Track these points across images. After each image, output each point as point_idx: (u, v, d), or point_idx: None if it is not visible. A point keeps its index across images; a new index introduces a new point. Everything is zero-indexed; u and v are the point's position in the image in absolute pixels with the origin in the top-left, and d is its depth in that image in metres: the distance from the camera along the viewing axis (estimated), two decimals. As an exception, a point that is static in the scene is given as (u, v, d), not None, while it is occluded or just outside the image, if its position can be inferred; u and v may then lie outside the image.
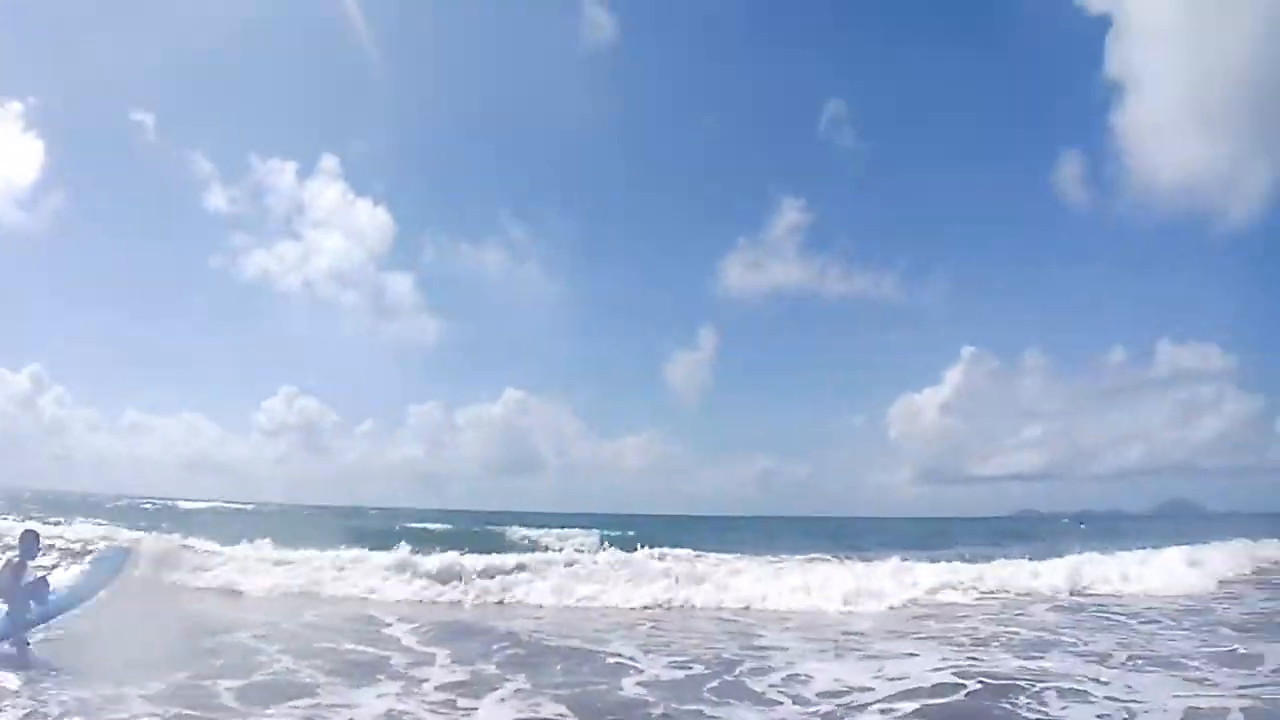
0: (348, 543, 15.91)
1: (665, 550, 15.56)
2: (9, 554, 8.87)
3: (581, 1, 59.54)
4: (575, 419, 59.93)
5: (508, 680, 7.98)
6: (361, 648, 9.56)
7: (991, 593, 14.46)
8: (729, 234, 65.95)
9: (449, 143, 66.78)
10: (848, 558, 16.54)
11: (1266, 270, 58.12)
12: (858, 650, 9.82)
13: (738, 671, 8.58)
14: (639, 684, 8.03)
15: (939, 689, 7.72)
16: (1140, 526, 34.41)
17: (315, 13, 59.67)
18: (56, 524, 19.40)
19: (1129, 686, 7.69)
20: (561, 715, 6.86)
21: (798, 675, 8.37)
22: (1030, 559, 16.32)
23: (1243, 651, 9.29)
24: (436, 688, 7.68)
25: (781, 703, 7.43)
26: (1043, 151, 61.29)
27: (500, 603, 13.74)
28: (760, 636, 10.89)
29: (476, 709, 7.02)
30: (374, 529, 23.50)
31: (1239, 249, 52.95)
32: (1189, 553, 16.54)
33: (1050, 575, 15.14)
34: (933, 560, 16.34)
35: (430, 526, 28.92)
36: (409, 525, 27.86)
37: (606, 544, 16.32)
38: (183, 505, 36.68)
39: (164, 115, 51.67)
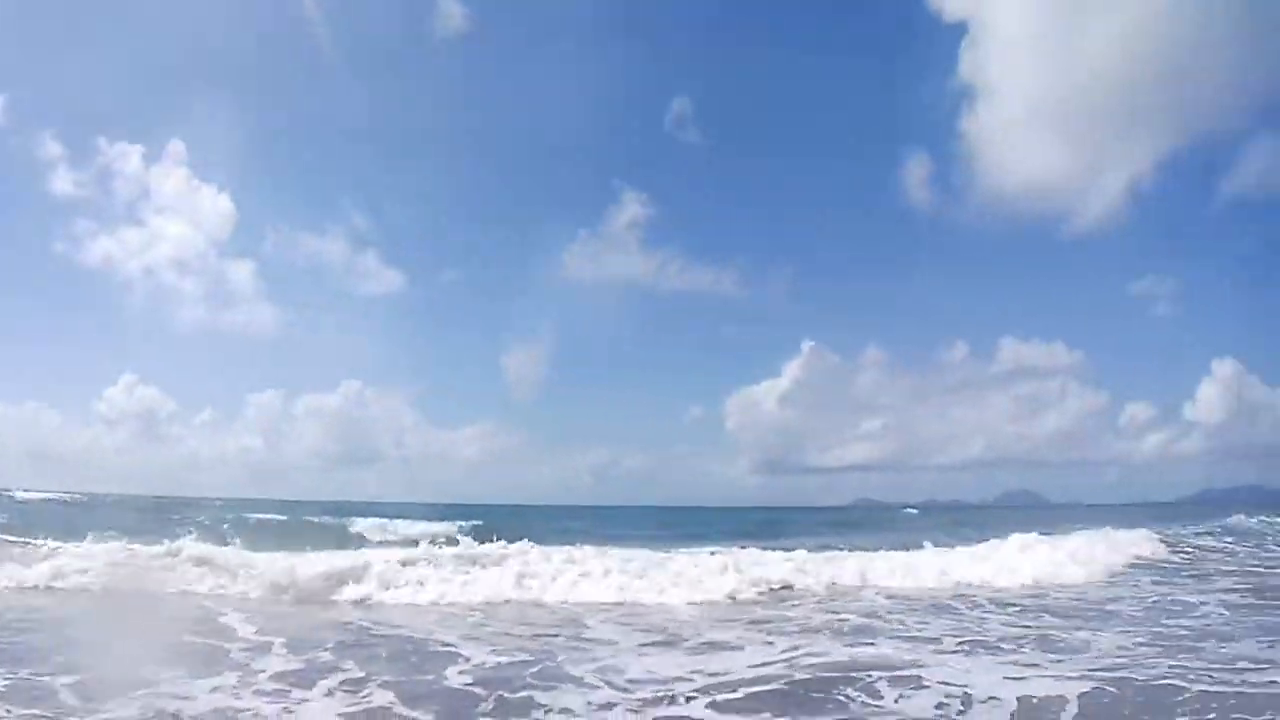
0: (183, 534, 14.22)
1: (503, 542, 14.23)
2: None
3: (434, -9, 56.80)
4: (413, 409, 59.24)
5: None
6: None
7: (830, 584, 14.13)
8: (571, 226, 64.91)
9: (294, 130, 65.52)
10: (684, 549, 15.87)
11: (1111, 272, 63.97)
12: (686, 641, 9.12)
13: (561, 660, 7.95)
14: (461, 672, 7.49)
15: (762, 678, 7.24)
16: (981, 516, 36.58)
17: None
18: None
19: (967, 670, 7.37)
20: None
21: (619, 665, 7.67)
22: (868, 550, 16.24)
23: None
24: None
25: (600, 688, 6.88)
26: (890, 153, 64.78)
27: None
28: (588, 628, 10.03)
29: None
30: (211, 521, 21.01)
31: (1084, 251, 57.71)
32: (1023, 540, 16.96)
33: (885, 562, 15.11)
34: (765, 549, 16.01)
35: (265, 517, 27.15)
36: (245, 515, 26.48)
37: (443, 540, 14.71)
38: (19, 495, 34.25)
39: (14, 96, 48.92)
